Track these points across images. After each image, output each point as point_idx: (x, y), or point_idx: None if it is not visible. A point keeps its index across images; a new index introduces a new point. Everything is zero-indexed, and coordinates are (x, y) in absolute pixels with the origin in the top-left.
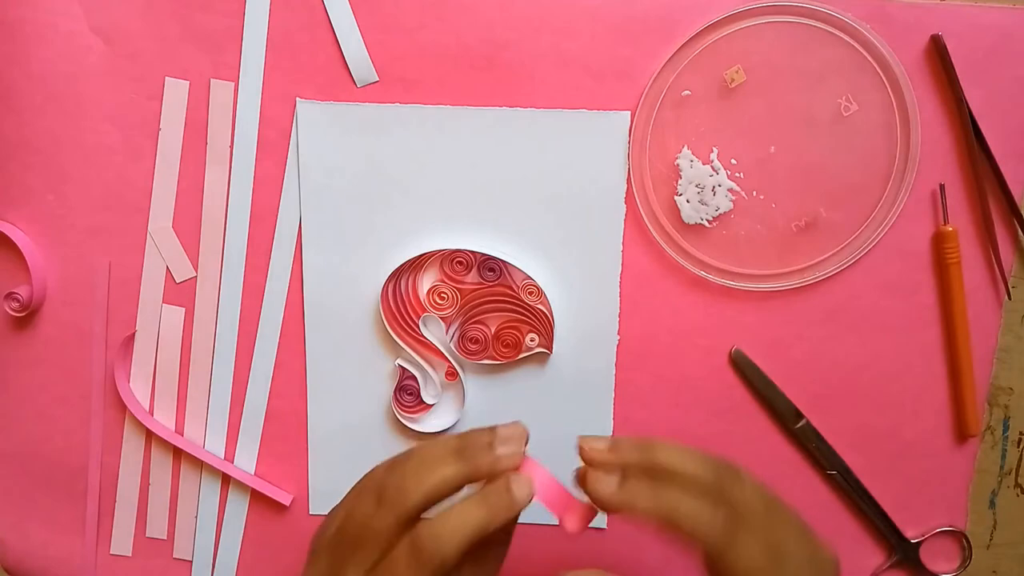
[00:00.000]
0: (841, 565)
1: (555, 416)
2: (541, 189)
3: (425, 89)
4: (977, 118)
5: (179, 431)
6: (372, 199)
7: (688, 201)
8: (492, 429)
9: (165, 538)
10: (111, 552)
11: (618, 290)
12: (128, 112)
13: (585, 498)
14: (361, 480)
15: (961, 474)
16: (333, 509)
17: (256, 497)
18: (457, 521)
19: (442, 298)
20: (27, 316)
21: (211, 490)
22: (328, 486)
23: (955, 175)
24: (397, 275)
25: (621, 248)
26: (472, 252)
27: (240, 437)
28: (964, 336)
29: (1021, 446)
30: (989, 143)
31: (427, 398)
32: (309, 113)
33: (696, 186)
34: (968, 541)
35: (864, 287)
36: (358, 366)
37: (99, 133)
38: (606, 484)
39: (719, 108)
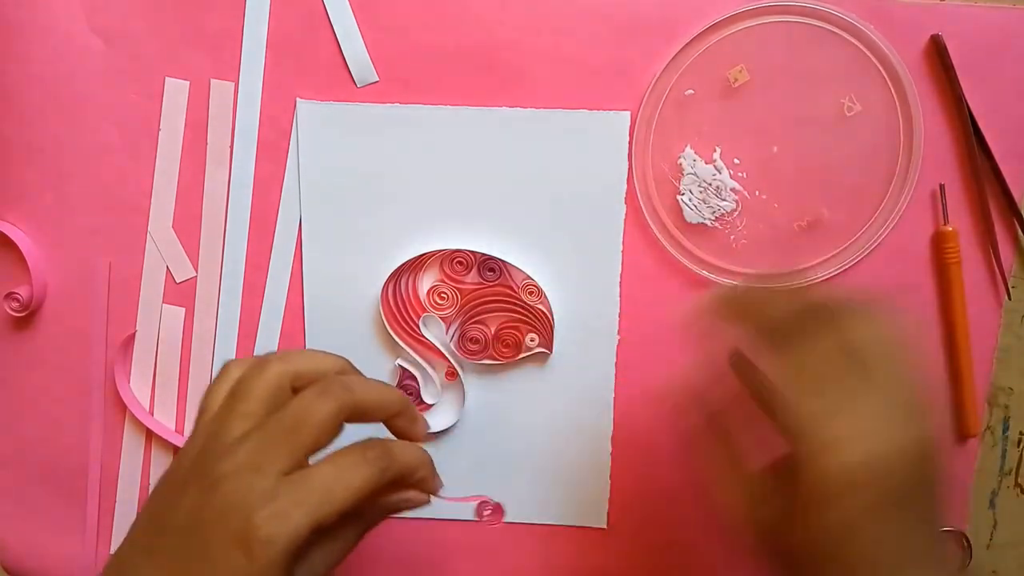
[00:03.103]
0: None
1: (555, 416)
2: (541, 189)
3: (425, 89)
4: (977, 118)
5: (179, 431)
6: (372, 199)
7: (690, 201)
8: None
9: None
10: (111, 552)
11: (618, 290)
12: (128, 112)
13: None
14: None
15: (961, 474)
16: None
17: None
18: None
19: (442, 298)
20: (27, 316)
21: None
22: None
23: (955, 175)
24: (397, 275)
25: (621, 248)
26: (472, 252)
27: None
28: (964, 336)
29: (1021, 446)
30: (989, 143)
31: (427, 398)
32: (309, 113)
33: (699, 186)
34: (968, 541)
35: (864, 287)
36: (358, 366)
37: (99, 133)
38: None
39: (722, 108)
